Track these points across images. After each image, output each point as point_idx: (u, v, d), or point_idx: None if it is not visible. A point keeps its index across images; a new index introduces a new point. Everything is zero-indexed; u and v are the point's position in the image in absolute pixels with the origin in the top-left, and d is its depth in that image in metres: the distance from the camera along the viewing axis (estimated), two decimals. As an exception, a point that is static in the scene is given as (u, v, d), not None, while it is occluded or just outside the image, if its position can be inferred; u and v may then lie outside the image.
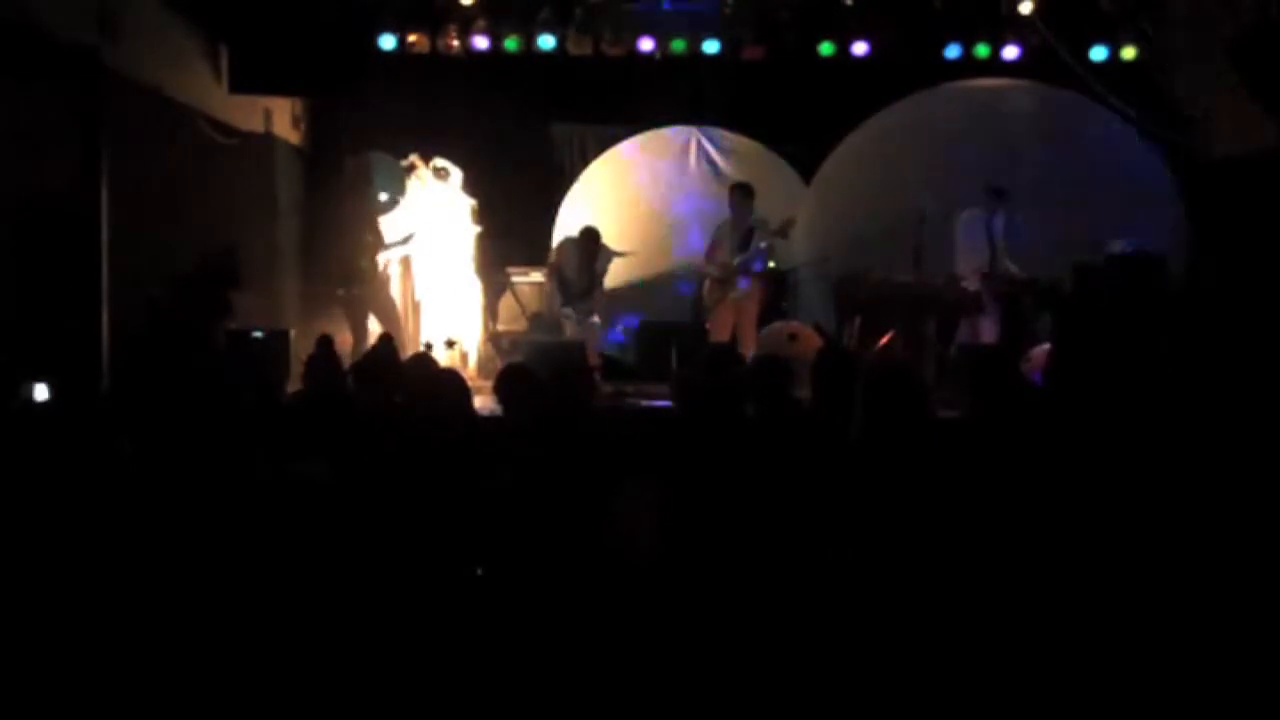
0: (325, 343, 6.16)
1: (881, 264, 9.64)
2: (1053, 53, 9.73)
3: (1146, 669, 3.01)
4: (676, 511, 3.81)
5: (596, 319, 9.52)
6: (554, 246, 10.22)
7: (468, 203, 10.18)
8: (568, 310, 9.57)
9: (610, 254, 9.71)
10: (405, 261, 9.96)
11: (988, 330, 9.27)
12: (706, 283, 9.53)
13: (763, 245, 9.21)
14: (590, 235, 9.71)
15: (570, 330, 9.52)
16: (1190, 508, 3.54)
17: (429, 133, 10.10)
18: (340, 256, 9.44)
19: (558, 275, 9.69)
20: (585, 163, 11.20)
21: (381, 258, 9.52)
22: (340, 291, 9.32)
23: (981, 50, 10.07)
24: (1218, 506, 3.59)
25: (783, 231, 9.25)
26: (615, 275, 9.92)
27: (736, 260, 9.21)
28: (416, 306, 9.96)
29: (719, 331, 9.21)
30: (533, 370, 5.25)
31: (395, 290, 9.79)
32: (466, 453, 4.22)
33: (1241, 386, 5.51)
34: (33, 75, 6.51)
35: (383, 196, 10.06)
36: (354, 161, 10.31)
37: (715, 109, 11.09)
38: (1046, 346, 8.75)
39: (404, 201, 10.07)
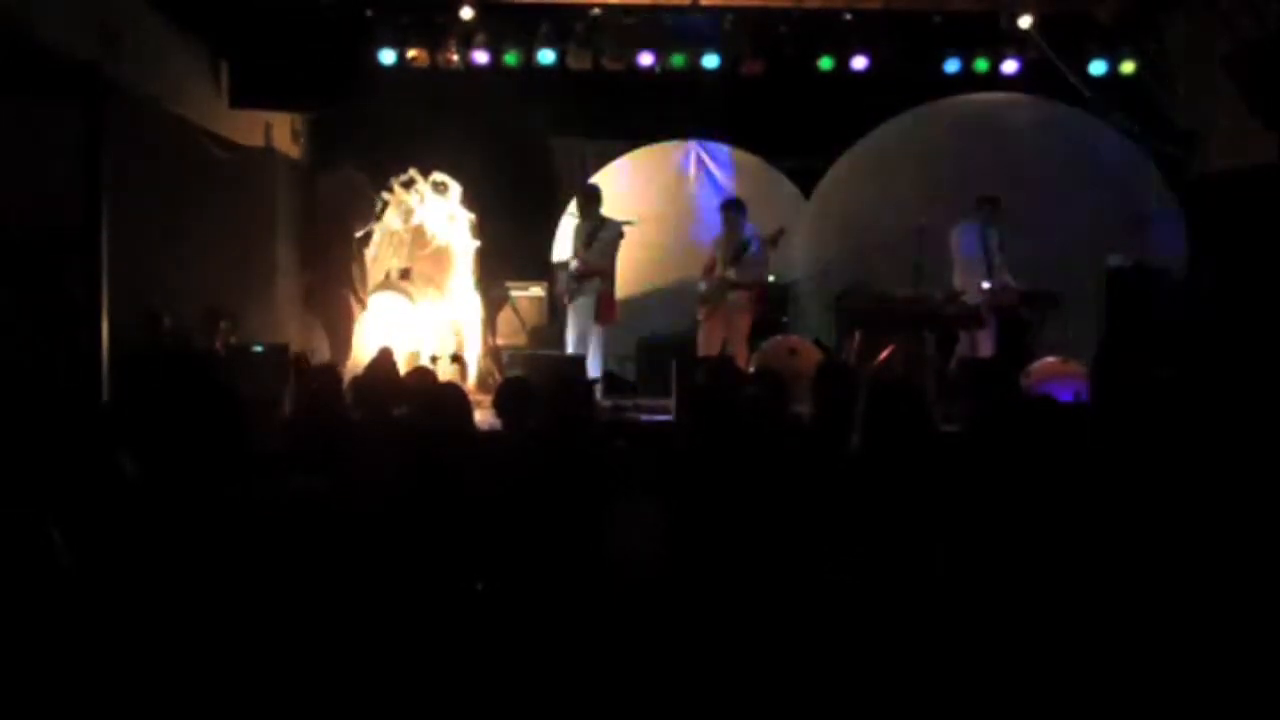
0: (300, 360, 6.19)
1: (881, 278, 9.67)
2: (1052, 67, 9.74)
3: (1148, 682, 3.00)
4: (677, 526, 3.81)
5: (598, 329, 9.40)
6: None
7: (467, 217, 10.19)
8: (574, 288, 9.37)
9: (617, 225, 9.48)
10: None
11: (987, 344, 9.27)
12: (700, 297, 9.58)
13: (755, 246, 9.25)
14: (587, 194, 9.59)
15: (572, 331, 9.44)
16: (1193, 520, 3.53)
17: (428, 146, 10.11)
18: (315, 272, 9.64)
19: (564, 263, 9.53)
20: (585, 177, 11.19)
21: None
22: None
23: (981, 64, 10.08)
24: (1219, 515, 3.58)
25: (774, 241, 9.27)
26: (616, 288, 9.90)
27: (730, 273, 9.24)
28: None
29: (709, 345, 9.22)
30: (532, 384, 5.26)
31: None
32: (466, 467, 4.22)
33: (1244, 399, 5.50)
34: (34, 90, 6.52)
35: (356, 216, 10.06)
36: (326, 178, 10.31)
37: (715, 123, 11.11)
38: (1048, 360, 8.76)
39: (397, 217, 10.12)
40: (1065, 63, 9.72)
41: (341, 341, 9.60)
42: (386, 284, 9.93)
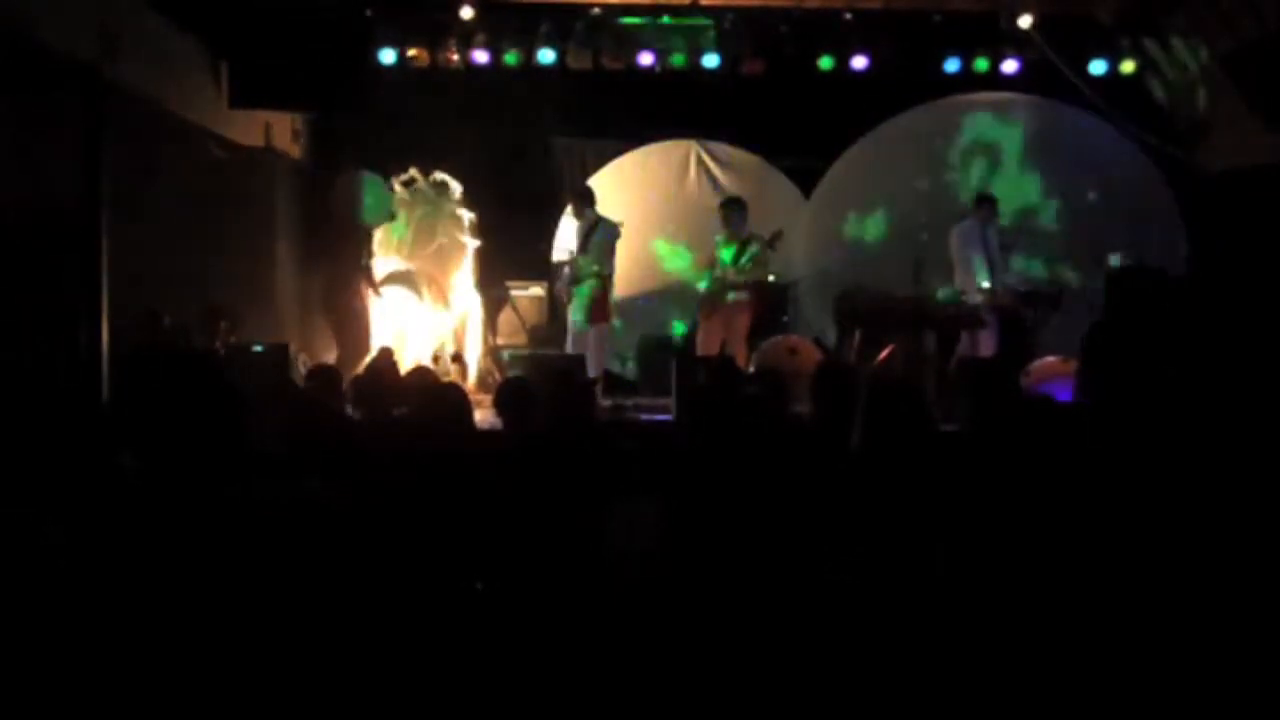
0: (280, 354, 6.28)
1: (881, 278, 9.68)
2: (1052, 66, 9.75)
3: (1148, 681, 3.00)
4: (676, 525, 3.80)
5: (592, 330, 9.39)
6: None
7: (467, 216, 10.20)
8: (570, 289, 9.44)
9: (613, 226, 9.46)
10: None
11: (987, 343, 9.27)
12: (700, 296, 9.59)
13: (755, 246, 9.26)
14: (580, 194, 9.63)
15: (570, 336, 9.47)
16: (1193, 519, 3.53)
17: (429, 146, 10.12)
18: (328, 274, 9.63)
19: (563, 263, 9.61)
20: (585, 176, 11.20)
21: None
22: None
23: (981, 64, 10.08)
24: (1219, 514, 3.58)
25: (772, 243, 9.28)
26: (615, 288, 9.91)
27: (730, 273, 9.25)
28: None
29: (708, 344, 9.22)
30: (532, 384, 5.26)
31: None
32: (466, 467, 4.21)
33: (1244, 398, 5.50)
34: (34, 89, 6.52)
35: (372, 217, 10.07)
36: (342, 179, 10.32)
37: (715, 123, 11.11)
38: (1048, 359, 8.76)
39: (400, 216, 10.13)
40: (1065, 63, 9.72)
41: (352, 342, 9.58)
42: (394, 278, 9.94)
